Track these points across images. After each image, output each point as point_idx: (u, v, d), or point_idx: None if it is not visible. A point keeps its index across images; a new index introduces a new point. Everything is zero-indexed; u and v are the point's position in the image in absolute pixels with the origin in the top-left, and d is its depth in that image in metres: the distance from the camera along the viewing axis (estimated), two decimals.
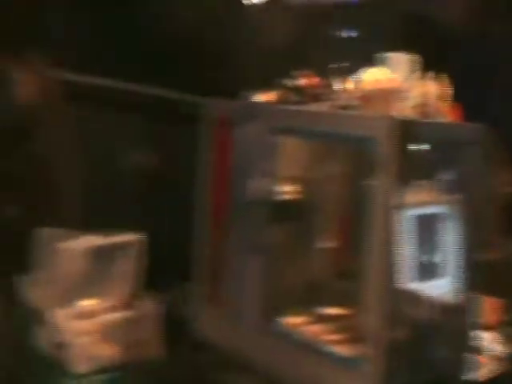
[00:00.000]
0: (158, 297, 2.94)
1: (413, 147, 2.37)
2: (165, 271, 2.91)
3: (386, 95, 2.49)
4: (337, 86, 2.78)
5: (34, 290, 2.93)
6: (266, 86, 2.87)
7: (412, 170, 2.36)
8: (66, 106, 3.26)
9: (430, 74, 2.75)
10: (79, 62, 3.60)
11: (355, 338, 2.52)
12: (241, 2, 3.68)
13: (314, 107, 2.69)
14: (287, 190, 2.83)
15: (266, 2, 3.69)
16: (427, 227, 2.59)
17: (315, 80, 2.83)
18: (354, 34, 3.63)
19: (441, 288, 2.61)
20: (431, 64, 2.79)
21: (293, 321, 2.76)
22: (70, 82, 3.53)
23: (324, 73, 2.87)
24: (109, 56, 3.51)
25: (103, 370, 2.75)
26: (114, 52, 3.49)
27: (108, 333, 2.80)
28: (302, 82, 2.83)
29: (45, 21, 3.49)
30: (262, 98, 2.89)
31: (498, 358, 2.76)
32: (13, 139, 3.06)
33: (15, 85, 3.16)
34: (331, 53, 3.19)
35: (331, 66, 2.84)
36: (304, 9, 3.68)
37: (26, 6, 3.58)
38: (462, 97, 2.81)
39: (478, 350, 2.70)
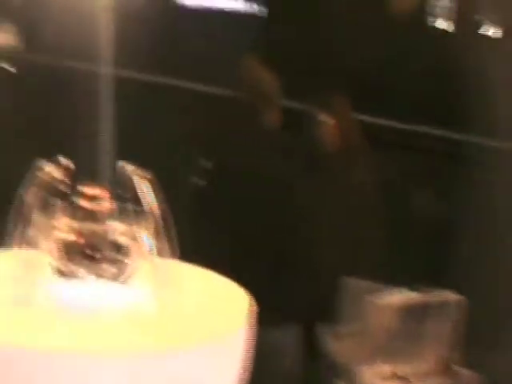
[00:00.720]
0: (476, 364, 2.64)
1: None
2: (482, 335, 2.61)
3: None
4: None
5: (339, 343, 2.77)
6: None
7: None
8: (367, 149, 3.13)
9: None
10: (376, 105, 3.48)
11: None
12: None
13: None
14: None
15: None
16: None
17: None
18: None
19: None
20: None
21: None
22: (370, 124, 3.43)
23: None
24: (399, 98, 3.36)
25: None
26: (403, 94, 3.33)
27: None
28: None
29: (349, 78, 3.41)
30: None
31: None
32: (316, 182, 2.97)
33: (320, 127, 3.09)
34: None
35: None
36: None
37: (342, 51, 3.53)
38: None
39: None
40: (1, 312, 1.15)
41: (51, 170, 1.22)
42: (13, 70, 3.43)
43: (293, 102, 3.45)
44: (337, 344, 2.77)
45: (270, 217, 2.70)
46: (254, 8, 4.06)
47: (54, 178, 1.21)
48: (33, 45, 3.54)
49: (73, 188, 1.27)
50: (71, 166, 1.27)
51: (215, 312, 1.27)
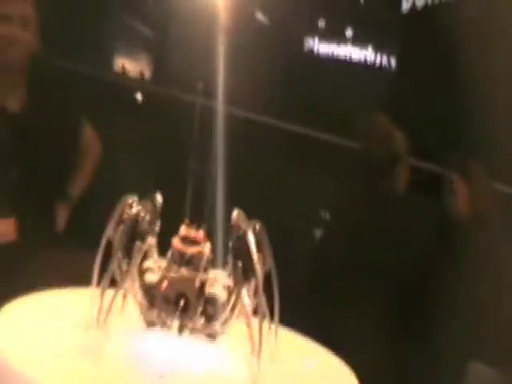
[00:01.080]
0: None
1: None
2: None
3: None
4: None
5: None
6: None
7: None
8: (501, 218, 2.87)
9: None
10: None
11: None
12: None
13: None
14: None
15: None
16: None
17: None
18: None
19: None
20: None
21: None
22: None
23: None
24: None
25: None
26: None
27: None
28: None
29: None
30: None
31: None
32: (444, 250, 2.73)
33: (451, 192, 2.86)
34: None
35: None
36: None
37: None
38: None
39: None
40: (63, 361, 1.00)
41: (138, 208, 1.06)
42: (140, 99, 3.42)
43: (422, 162, 3.24)
44: None
45: (390, 284, 2.47)
46: (385, 61, 3.91)
47: (140, 217, 1.06)
48: (159, 77, 3.54)
49: (162, 228, 1.13)
50: (160, 203, 1.12)
51: None
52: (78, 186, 2.21)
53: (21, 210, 2.01)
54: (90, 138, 2.27)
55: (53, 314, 1.13)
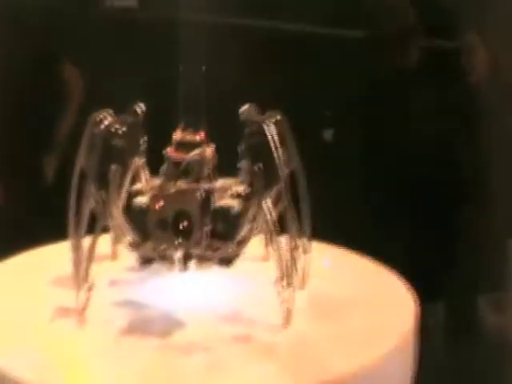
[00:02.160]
0: None
1: None
2: None
3: None
4: None
5: (504, 316, 2.36)
6: None
7: None
8: None
9: None
10: None
11: None
12: None
13: None
14: None
15: None
16: None
17: None
18: None
19: None
20: None
21: None
22: None
23: None
24: None
25: None
26: None
27: None
28: None
29: None
30: None
31: None
32: (471, 128, 2.57)
33: (470, 61, 2.69)
34: None
35: None
36: None
37: None
38: None
39: None
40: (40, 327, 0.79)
41: (109, 123, 0.83)
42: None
43: (434, 39, 3.04)
44: (501, 317, 2.39)
45: (417, 173, 2.31)
46: None
47: (113, 133, 0.83)
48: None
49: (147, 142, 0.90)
50: (143, 114, 0.89)
51: (365, 316, 0.86)
52: (64, 129, 2.11)
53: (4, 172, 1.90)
54: (69, 76, 2.17)
55: (30, 275, 0.93)
